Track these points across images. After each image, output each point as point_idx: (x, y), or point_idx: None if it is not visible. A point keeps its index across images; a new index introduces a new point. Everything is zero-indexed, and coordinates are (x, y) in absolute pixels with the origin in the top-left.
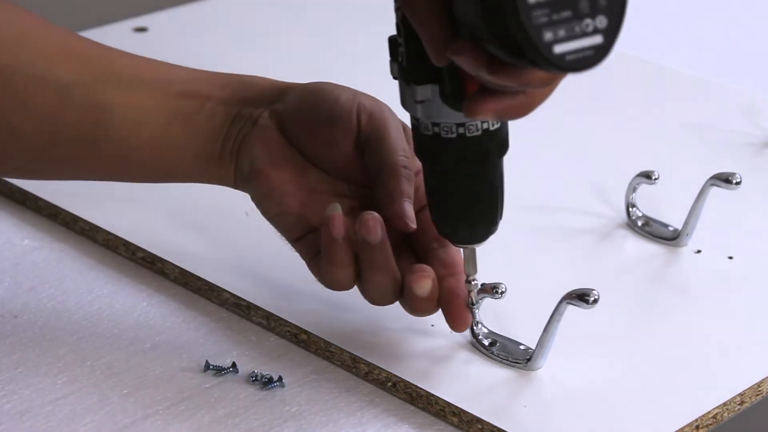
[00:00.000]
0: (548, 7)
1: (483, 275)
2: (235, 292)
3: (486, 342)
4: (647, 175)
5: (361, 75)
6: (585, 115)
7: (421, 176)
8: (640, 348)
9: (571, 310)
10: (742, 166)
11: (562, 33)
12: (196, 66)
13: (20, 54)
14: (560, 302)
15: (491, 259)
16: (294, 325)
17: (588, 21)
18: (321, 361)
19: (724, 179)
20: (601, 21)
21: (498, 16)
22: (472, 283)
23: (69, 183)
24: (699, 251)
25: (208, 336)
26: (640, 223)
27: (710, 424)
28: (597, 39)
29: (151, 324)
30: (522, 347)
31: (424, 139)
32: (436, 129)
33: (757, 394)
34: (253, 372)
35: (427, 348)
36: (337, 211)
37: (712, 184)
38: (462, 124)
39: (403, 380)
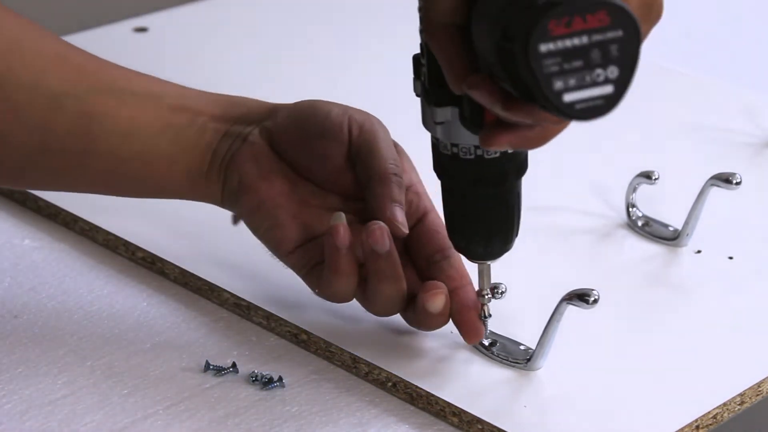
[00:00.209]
0: (560, 57)
1: None
2: (235, 292)
3: (486, 342)
4: (647, 175)
5: (362, 74)
6: None
7: (412, 189)
8: (640, 348)
9: (571, 310)
10: (742, 166)
11: (572, 82)
12: (196, 66)
13: (12, 62)
14: (560, 302)
15: None
16: (294, 325)
17: (599, 71)
18: (321, 361)
19: (725, 179)
20: (613, 71)
21: (510, 61)
22: (486, 297)
23: None
24: (699, 251)
25: (208, 336)
26: (640, 223)
27: (710, 424)
28: (607, 89)
29: (151, 324)
30: (522, 347)
31: (442, 158)
32: (455, 149)
33: (757, 394)
34: (253, 372)
35: (428, 348)
36: (341, 220)
37: (713, 185)
38: (480, 146)
39: (403, 380)
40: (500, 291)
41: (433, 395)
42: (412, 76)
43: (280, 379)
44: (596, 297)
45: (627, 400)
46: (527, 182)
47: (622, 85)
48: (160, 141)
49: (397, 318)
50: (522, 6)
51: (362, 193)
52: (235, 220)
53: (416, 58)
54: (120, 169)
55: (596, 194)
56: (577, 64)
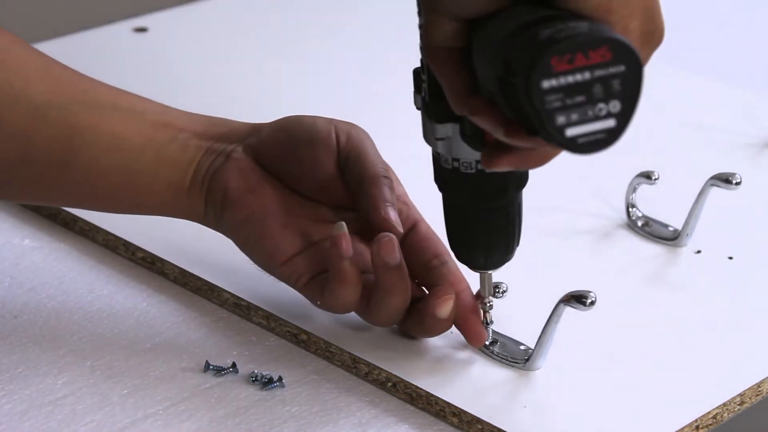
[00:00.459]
0: (562, 92)
1: None
2: (235, 292)
3: (487, 341)
4: (647, 176)
5: (362, 74)
6: None
7: (401, 200)
8: (639, 348)
9: (571, 310)
10: (742, 167)
11: (574, 117)
12: (196, 66)
13: None
14: (558, 304)
15: None
16: (294, 325)
17: (601, 105)
18: (321, 362)
19: (724, 179)
20: (615, 105)
21: (513, 95)
22: (488, 304)
23: None
24: (699, 251)
25: (208, 336)
26: (640, 224)
27: (710, 425)
28: (610, 123)
29: (151, 324)
30: (522, 347)
31: (443, 172)
32: (456, 164)
33: (757, 395)
34: (253, 372)
35: (427, 348)
36: (343, 230)
37: (712, 185)
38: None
39: (403, 380)
40: (501, 290)
41: (432, 395)
42: (413, 79)
43: (280, 379)
44: (593, 299)
45: (627, 400)
46: (527, 182)
47: (624, 118)
48: (141, 156)
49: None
50: (525, 40)
51: (352, 201)
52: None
53: (416, 72)
54: (101, 183)
55: (596, 194)
56: (580, 99)
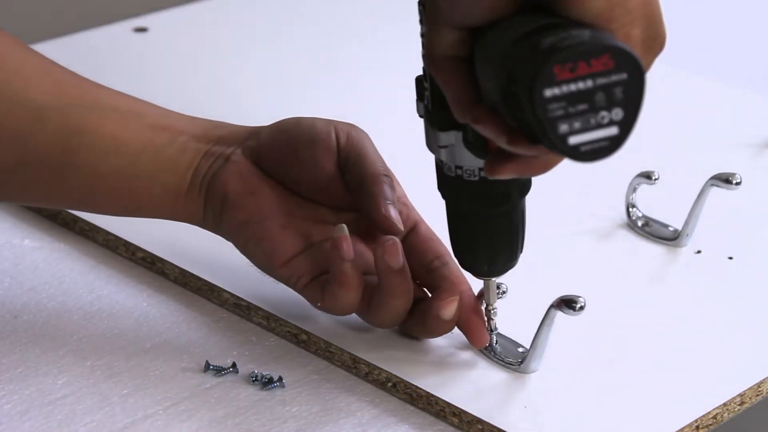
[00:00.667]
0: (564, 101)
1: None
2: (235, 293)
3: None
4: (647, 176)
5: (363, 75)
6: None
7: (401, 200)
8: (639, 348)
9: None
10: (742, 167)
11: (577, 125)
12: (196, 66)
13: None
14: (549, 309)
15: None
16: (294, 325)
17: (604, 113)
18: (321, 362)
19: (724, 179)
20: (617, 113)
21: (515, 104)
22: (492, 311)
23: None
24: (699, 251)
25: (208, 336)
26: (640, 224)
27: (710, 425)
28: (612, 131)
29: (151, 324)
30: (521, 349)
31: (446, 179)
32: (459, 171)
33: (757, 395)
34: (253, 372)
35: (428, 348)
36: (344, 232)
37: (712, 185)
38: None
39: (403, 380)
40: (501, 291)
41: (433, 395)
42: (415, 87)
43: (280, 379)
44: (582, 304)
45: (627, 400)
46: None
47: (627, 126)
48: (140, 158)
49: None
50: (527, 49)
51: (352, 202)
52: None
53: (419, 80)
54: (99, 185)
55: (596, 194)
56: (582, 107)
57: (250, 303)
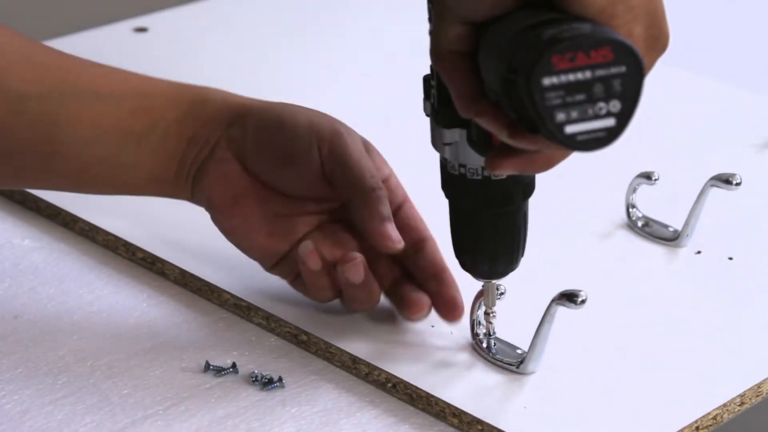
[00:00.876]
0: (563, 90)
1: None
2: (235, 293)
3: (484, 344)
4: (647, 176)
5: (363, 75)
6: None
7: (386, 184)
8: (639, 348)
9: (565, 311)
10: (742, 167)
11: (574, 114)
12: (196, 66)
13: None
14: (550, 304)
15: None
16: (294, 325)
17: (602, 104)
18: (321, 362)
19: (725, 180)
20: (615, 105)
21: (515, 93)
22: (492, 314)
23: None
24: (699, 252)
25: (208, 336)
26: (640, 224)
27: (710, 425)
28: (610, 122)
29: (151, 324)
30: (519, 351)
31: (450, 178)
32: (462, 170)
33: (757, 395)
34: (253, 372)
35: (428, 349)
36: (309, 249)
37: (713, 185)
38: None
39: (403, 381)
40: (500, 292)
41: (433, 396)
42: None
43: (280, 379)
44: (584, 297)
45: (627, 401)
46: None
47: (624, 118)
48: (123, 148)
49: (397, 318)
50: (528, 40)
51: (337, 196)
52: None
53: (426, 79)
54: (84, 174)
55: (596, 194)
56: (580, 97)
57: (250, 303)
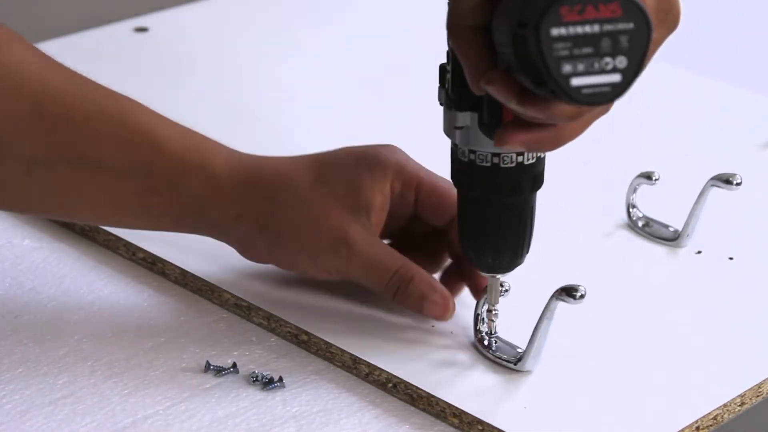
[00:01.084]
0: (570, 41)
1: None
2: (235, 293)
3: (485, 341)
4: (648, 176)
5: (364, 74)
6: None
7: (436, 191)
8: (640, 349)
9: (570, 312)
10: (742, 167)
11: (581, 67)
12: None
13: None
14: (549, 300)
15: None
16: (294, 325)
17: (608, 59)
18: (321, 362)
19: (725, 180)
20: (621, 61)
21: (523, 44)
22: (494, 312)
23: None
24: (699, 252)
25: (208, 336)
26: (640, 224)
27: (710, 425)
28: (615, 77)
29: (152, 324)
30: (519, 350)
31: (460, 165)
32: (472, 156)
33: (758, 395)
34: (254, 372)
35: (428, 349)
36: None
37: (713, 185)
38: (497, 154)
39: (403, 381)
40: (504, 289)
41: (433, 396)
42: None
43: (281, 379)
44: (583, 292)
45: (627, 401)
46: None
47: (629, 74)
48: (136, 220)
49: (398, 318)
50: None
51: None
52: None
53: (442, 67)
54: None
55: (596, 194)
56: (587, 50)
57: (251, 303)
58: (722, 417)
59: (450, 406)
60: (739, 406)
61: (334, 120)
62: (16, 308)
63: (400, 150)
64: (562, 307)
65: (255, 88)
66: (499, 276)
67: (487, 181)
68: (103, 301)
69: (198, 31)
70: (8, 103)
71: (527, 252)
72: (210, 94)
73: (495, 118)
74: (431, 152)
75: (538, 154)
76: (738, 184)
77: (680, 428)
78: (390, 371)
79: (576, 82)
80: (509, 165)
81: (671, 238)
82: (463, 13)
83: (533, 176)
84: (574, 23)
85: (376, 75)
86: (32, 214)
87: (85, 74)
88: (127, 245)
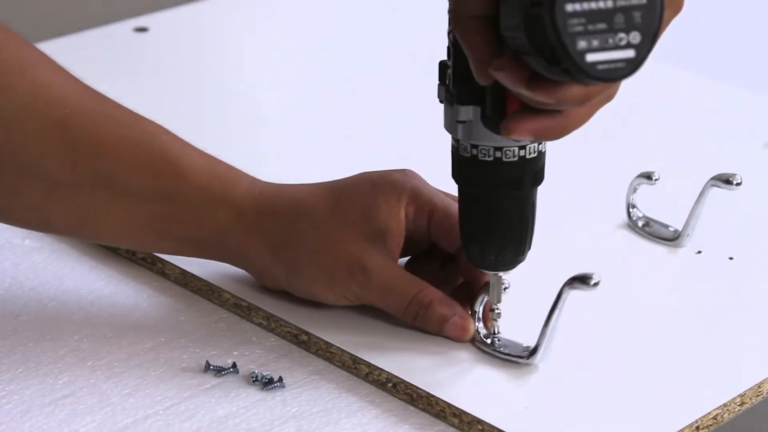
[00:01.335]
0: (584, 17)
1: None
2: (235, 293)
3: (488, 340)
4: (648, 176)
5: (364, 74)
6: None
7: (450, 219)
8: (640, 349)
9: (571, 312)
10: (742, 167)
11: (595, 43)
12: (196, 66)
13: (14, 135)
14: (562, 288)
15: None
16: (294, 325)
17: (622, 35)
18: (321, 362)
19: (725, 180)
20: (635, 37)
21: (537, 23)
22: (495, 312)
23: None
24: (699, 252)
25: (208, 336)
26: (640, 224)
27: (710, 425)
28: (629, 53)
29: (152, 324)
30: (525, 345)
31: (461, 161)
32: (474, 151)
33: (758, 395)
34: (254, 372)
35: (428, 349)
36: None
37: (713, 185)
38: (500, 149)
39: (403, 381)
40: (504, 286)
41: (433, 396)
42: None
43: (281, 379)
44: (597, 280)
45: (627, 401)
46: None
47: (643, 50)
48: (158, 244)
49: (398, 319)
50: None
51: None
52: None
53: (442, 64)
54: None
55: (596, 194)
56: (601, 26)
57: (251, 303)
58: (722, 417)
59: (450, 406)
60: (739, 406)
61: (334, 120)
62: (16, 308)
63: (417, 175)
64: (571, 300)
65: (255, 88)
66: (501, 274)
67: (490, 176)
68: (104, 301)
69: (198, 31)
70: (34, 124)
71: (529, 248)
72: (210, 94)
73: (498, 110)
74: (430, 152)
75: (540, 149)
76: (738, 184)
77: (680, 428)
78: (390, 371)
79: (591, 58)
80: (511, 159)
81: (671, 238)
82: (470, 3)
83: (535, 171)
84: None
85: (380, 74)
86: (55, 234)
87: (85, 74)
88: None
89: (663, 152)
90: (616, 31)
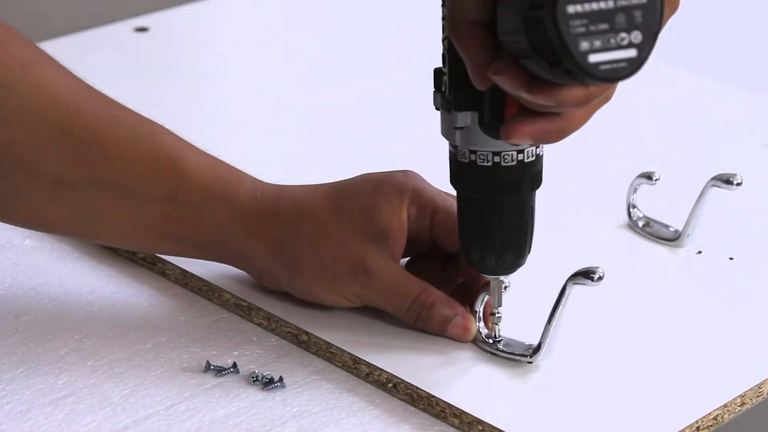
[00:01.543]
0: (586, 18)
1: None
2: (235, 293)
3: (490, 340)
4: (648, 176)
5: (364, 74)
6: None
7: (451, 218)
8: (640, 349)
9: (571, 312)
10: (742, 167)
11: (597, 43)
12: (196, 66)
13: (15, 134)
14: (566, 284)
15: None
16: (295, 325)
17: (623, 35)
18: (322, 362)
19: (725, 180)
20: (636, 36)
21: (538, 25)
22: (496, 316)
23: None
24: (700, 252)
25: (208, 336)
26: (640, 224)
27: (711, 426)
28: (631, 52)
29: (152, 324)
30: (527, 344)
31: (460, 167)
32: (473, 156)
33: (758, 396)
34: (254, 372)
35: (429, 349)
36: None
37: (713, 185)
38: (498, 153)
39: (403, 381)
40: (504, 286)
41: (433, 396)
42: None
43: (281, 379)
44: (601, 274)
45: (627, 401)
46: None
47: (645, 49)
48: (160, 244)
49: (398, 319)
50: None
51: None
52: None
53: (437, 71)
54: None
55: (597, 195)
56: (603, 26)
57: (251, 303)
58: (722, 417)
59: (450, 406)
60: (739, 406)
61: (334, 120)
62: (16, 308)
63: (418, 175)
64: (575, 296)
65: (255, 88)
66: (501, 278)
67: (488, 181)
68: (104, 301)
69: (198, 31)
70: (37, 124)
71: (529, 252)
72: (210, 94)
73: (497, 115)
74: (431, 152)
75: (537, 152)
76: (738, 184)
77: (680, 428)
78: (390, 371)
79: (593, 58)
80: (510, 163)
81: (671, 238)
82: (467, 9)
83: (533, 175)
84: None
85: (380, 75)
86: (55, 234)
87: (85, 74)
88: None
89: (663, 152)
90: (617, 31)
